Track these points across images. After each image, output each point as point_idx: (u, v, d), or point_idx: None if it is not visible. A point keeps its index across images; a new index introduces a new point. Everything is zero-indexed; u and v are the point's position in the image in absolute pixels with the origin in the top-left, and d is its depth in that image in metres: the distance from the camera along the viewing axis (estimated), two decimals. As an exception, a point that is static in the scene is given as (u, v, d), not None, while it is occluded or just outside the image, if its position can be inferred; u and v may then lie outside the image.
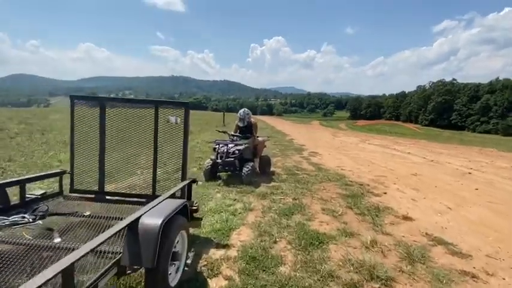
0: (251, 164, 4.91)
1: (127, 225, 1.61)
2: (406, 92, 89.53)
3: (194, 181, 2.80)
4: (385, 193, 4.68)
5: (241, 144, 5.02)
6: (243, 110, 5.53)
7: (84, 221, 2.32)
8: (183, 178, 2.84)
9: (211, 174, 5.03)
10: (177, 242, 2.06)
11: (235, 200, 4.02)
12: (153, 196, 2.87)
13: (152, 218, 1.69)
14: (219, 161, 4.88)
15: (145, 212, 1.74)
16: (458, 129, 58.90)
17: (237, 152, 4.92)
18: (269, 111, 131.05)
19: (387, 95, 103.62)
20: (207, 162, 5.06)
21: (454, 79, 72.99)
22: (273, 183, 5.01)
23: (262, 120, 37.08)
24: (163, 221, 1.69)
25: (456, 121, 63.18)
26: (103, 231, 2.24)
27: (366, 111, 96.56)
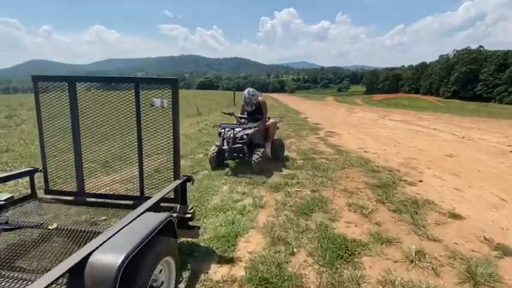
0: (262, 150, 4.29)
1: (68, 270, 1.06)
2: (427, 62, 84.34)
3: (189, 180, 2.23)
4: (421, 181, 3.97)
5: (249, 128, 4.38)
6: (247, 90, 4.78)
7: (46, 238, 1.82)
8: (176, 176, 2.28)
9: (218, 161, 4.47)
10: (160, 271, 1.53)
11: (243, 193, 3.46)
12: (142, 197, 2.35)
13: (107, 255, 1.12)
14: (225, 147, 4.29)
15: (99, 246, 1.17)
16: (484, 100, 55.19)
17: (245, 136, 4.29)
18: (281, 88, 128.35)
19: (406, 66, 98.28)
20: (213, 149, 4.48)
21: (480, 46, 67.57)
22: (287, 171, 4.40)
23: (274, 98, 35.97)
24: (126, 257, 1.12)
25: (481, 92, 59.14)
26: (71, 251, 1.74)
27: (383, 84, 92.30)
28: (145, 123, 2.26)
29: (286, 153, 5.48)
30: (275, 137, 5.27)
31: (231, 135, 4.27)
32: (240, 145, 4.27)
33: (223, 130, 4.42)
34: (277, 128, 5.39)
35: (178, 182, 2.16)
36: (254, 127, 4.44)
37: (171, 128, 2.21)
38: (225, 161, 4.68)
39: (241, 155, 4.51)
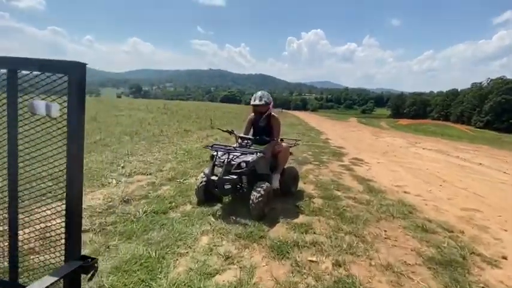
0: (265, 185, 3.08)
1: None
2: (459, 89, 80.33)
3: (85, 269, 1.07)
4: (505, 258, 2.57)
5: (252, 153, 3.22)
6: (256, 93, 3.71)
7: None
8: (70, 252, 1.13)
9: (206, 195, 3.31)
10: None
11: (227, 258, 2.24)
12: (14, 285, 1.24)
13: None
14: (214, 177, 3.11)
15: None
16: (520, 133, 50.72)
17: (244, 164, 3.12)
18: (303, 106, 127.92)
19: (435, 92, 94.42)
20: (201, 177, 3.33)
21: (518, 75, 63.37)
22: (299, 217, 3.15)
23: (295, 116, 34.79)
24: None
25: (518, 124, 54.67)
26: None
27: (410, 109, 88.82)
28: (25, 146, 1.17)
29: (300, 185, 4.25)
30: (287, 165, 4.06)
31: (225, 161, 3.12)
32: (236, 176, 3.09)
33: (215, 153, 3.28)
34: (291, 154, 4.19)
35: (62, 272, 1.01)
36: (258, 152, 3.27)
37: (63, 157, 1.09)
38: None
39: (237, 187, 3.31)
